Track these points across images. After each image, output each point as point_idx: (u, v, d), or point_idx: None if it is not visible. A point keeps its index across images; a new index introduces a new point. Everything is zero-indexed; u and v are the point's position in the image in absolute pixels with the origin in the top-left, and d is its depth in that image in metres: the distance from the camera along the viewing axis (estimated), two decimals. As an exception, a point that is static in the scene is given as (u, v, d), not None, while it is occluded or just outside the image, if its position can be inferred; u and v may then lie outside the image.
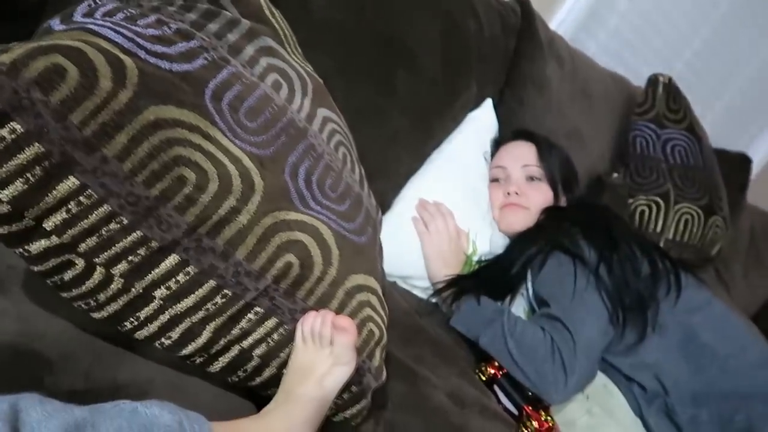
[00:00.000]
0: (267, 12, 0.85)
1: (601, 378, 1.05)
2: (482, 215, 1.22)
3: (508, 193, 1.20)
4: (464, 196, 1.21)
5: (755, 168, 2.06)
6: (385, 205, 1.16)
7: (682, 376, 0.99)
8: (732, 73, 2.34)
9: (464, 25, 1.25)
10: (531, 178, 1.22)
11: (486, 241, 1.20)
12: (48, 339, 0.56)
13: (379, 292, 0.78)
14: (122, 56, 0.55)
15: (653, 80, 1.61)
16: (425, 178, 1.21)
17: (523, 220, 1.19)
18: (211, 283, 0.58)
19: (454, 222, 1.15)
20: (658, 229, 1.48)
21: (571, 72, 1.48)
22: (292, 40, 0.91)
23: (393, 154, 1.19)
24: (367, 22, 1.11)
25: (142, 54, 0.58)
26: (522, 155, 1.24)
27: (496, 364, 0.98)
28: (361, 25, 1.10)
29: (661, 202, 1.48)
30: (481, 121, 1.32)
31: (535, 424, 0.89)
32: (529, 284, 1.09)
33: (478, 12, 1.28)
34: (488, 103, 1.35)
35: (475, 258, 1.17)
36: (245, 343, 0.62)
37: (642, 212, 1.48)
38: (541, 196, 1.21)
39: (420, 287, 1.15)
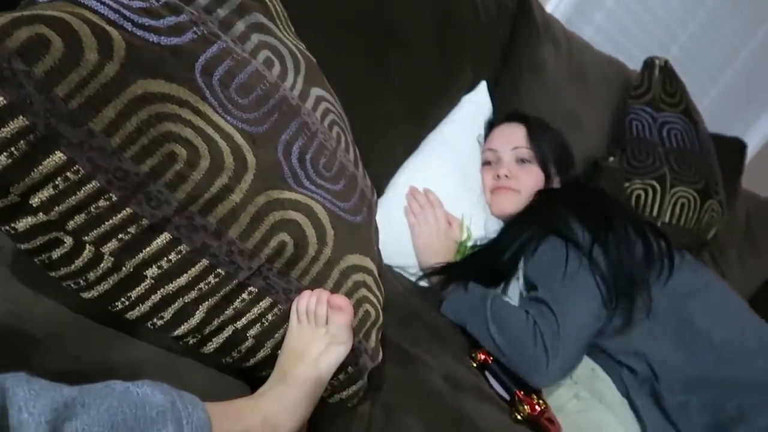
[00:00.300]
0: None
1: (588, 362, 1.05)
2: (476, 199, 1.21)
3: (498, 176, 1.19)
4: (458, 180, 1.20)
5: (750, 153, 2.06)
6: (379, 189, 1.15)
7: (674, 362, 0.98)
8: (727, 57, 2.34)
9: (459, 8, 1.24)
10: (522, 161, 1.20)
11: (480, 225, 1.19)
12: (36, 319, 0.55)
13: (375, 272, 0.77)
14: (108, 28, 0.53)
15: (649, 63, 1.59)
16: (418, 163, 1.20)
17: (514, 203, 1.17)
18: (204, 262, 0.57)
19: (443, 211, 1.14)
20: (655, 212, 1.47)
21: (567, 55, 1.46)
22: (284, 17, 0.89)
23: (387, 138, 1.18)
24: (361, 3, 1.09)
25: (128, 26, 0.56)
26: (512, 137, 1.22)
27: (487, 350, 0.98)
28: (355, 6, 1.08)
29: (658, 186, 1.47)
30: (476, 104, 1.31)
31: (527, 408, 0.88)
32: (521, 270, 1.08)
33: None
34: (483, 85, 1.33)
35: (470, 243, 1.16)
36: (239, 324, 0.61)
37: (638, 196, 1.47)
38: (531, 179, 1.19)
39: (414, 275, 1.14)
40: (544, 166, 1.20)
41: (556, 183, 1.22)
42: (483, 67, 1.33)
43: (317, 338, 0.62)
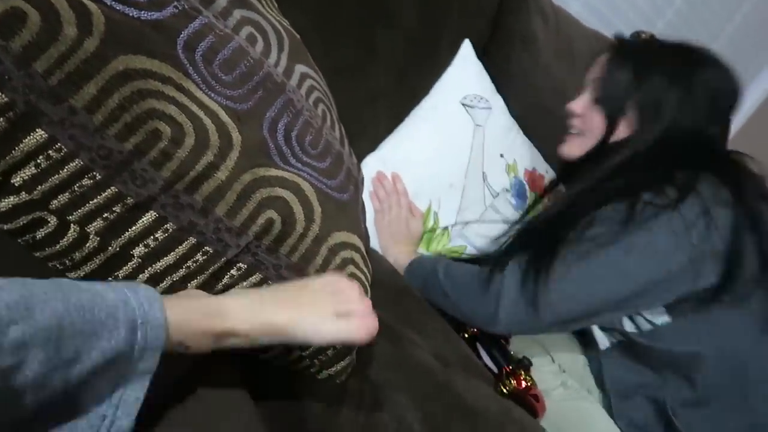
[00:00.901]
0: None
1: (581, 359, 1.04)
2: (451, 182, 1.18)
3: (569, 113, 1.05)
4: (434, 160, 1.18)
5: (734, 126, 2.07)
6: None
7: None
8: (713, 32, 2.34)
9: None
10: (595, 99, 1.00)
11: (452, 211, 1.17)
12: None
13: (363, 250, 0.77)
14: (87, 1, 0.52)
15: (635, 37, 1.59)
16: (394, 143, 1.18)
17: (576, 147, 1.02)
18: (191, 240, 0.57)
19: (407, 200, 1.12)
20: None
21: (555, 29, 1.45)
22: (268, -7, 0.88)
23: (372, 114, 1.17)
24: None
25: (107, 0, 0.55)
26: (597, 67, 1.04)
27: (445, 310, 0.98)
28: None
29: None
30: (459, 67, 1.27)
31: (514, 383, 0.90)
32: None
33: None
34: (466, 44, 1.29)
35: (439, 229, 1.15)
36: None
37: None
38: (595, 121, 0.98)
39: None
40: (605, 106, 0.97)
41: (630, 129, 0.96)
42: (470, 38, 1.32)
43: (331, 307, 0.58)
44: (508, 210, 1.24)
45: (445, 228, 1.15)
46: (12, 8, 0.46)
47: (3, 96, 0.46)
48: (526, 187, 1.31)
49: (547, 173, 1.38)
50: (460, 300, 0.92)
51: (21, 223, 0.51)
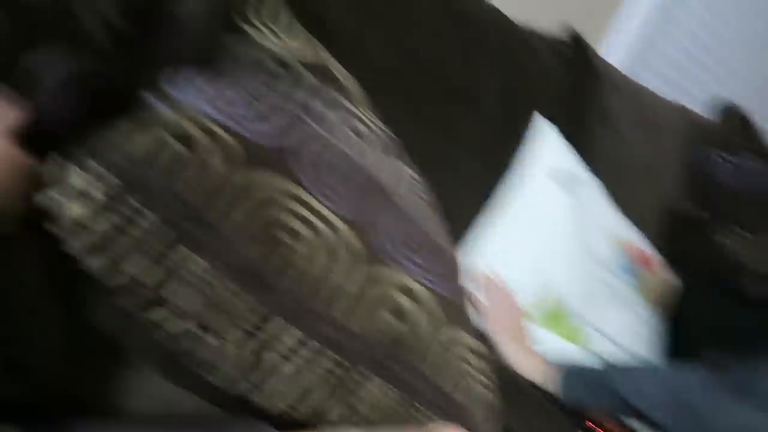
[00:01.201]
0: (332, 67, 0.86)
1: None
2: (556, 262, 1.14)
3: None
4: (533, 243, 1.15)
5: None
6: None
7: None
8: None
9: (523, 65, 1.25)
10: None
11: (564, 289, 1.13)
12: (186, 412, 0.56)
13: (481, 350, 0.75)
14: (225, 135, 0.56)
15: (725, 109, 1.57)
16: (492, 233, 1.15)
17: None
18: (332, 355, 0.58)
19: (511, 294, 1.09)
20: (745, 260, 1.40)
21: (630, 101, 1.45)
22: (359, 93, 0.92)
23: (461, 200, 1.17)
24: (423, 67, 1.11)
25: (243, 132, 0.59)
26: None
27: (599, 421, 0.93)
28: (417, 70, 1.10)
29: (748, 235, 1.41)
30: (536, 147, 1.23)
31: None
32: None
33: (536, 50, 1.27)
34: (541, 120, 1.25)
35: (559, 311, 1.12)
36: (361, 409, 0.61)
37: (725, 245, 1.41)
38: None
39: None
40: None
41: None
42: (551, 120, 1.31)
43: None
44: (622, 287, 1.21)
45: (563, 309, 1.12)
46: (155, 140, 0.52)
47: (154, 217, 0.50)
48: (632, 261, 1.27)
49: (649, 247, 1.34)
50: (659, 414, 0.89)
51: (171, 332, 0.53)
